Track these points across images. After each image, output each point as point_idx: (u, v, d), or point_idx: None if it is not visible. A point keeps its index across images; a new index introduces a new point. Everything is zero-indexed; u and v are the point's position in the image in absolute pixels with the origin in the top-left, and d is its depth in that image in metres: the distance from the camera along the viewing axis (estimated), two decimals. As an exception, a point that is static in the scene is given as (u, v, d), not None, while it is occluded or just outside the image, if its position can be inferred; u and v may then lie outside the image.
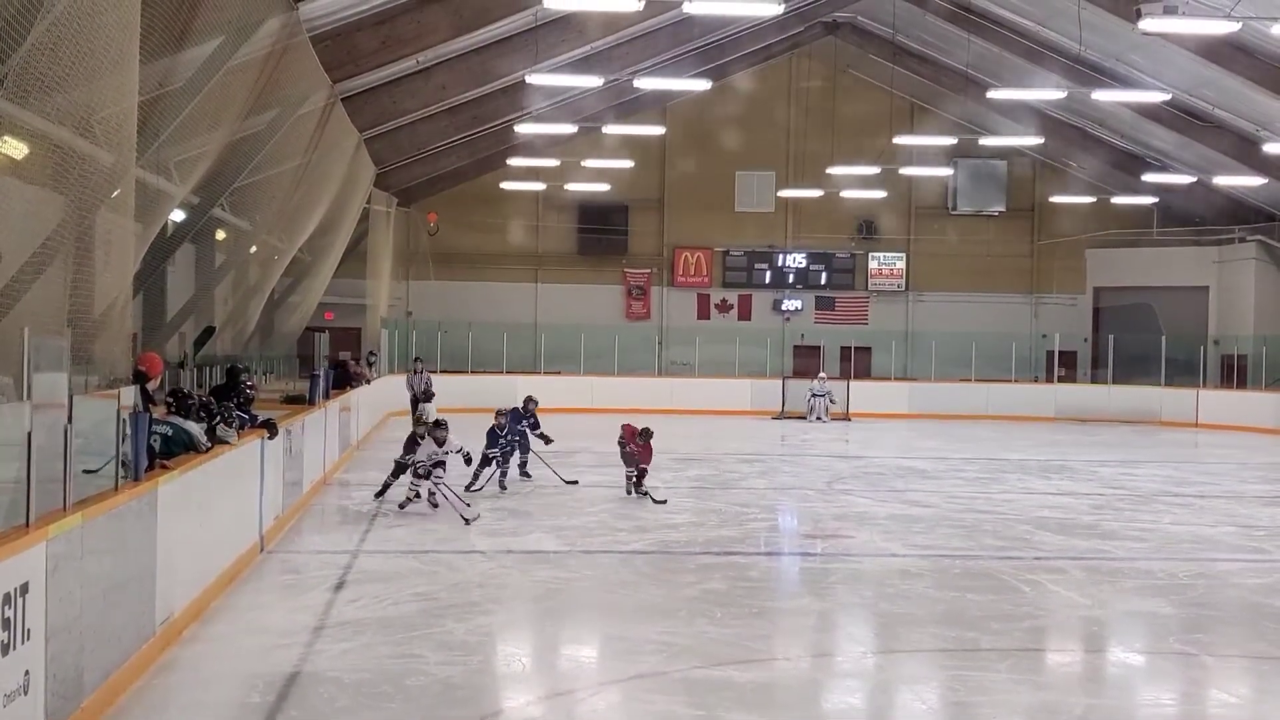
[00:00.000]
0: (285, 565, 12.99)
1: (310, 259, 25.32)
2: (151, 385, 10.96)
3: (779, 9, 21.98)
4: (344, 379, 24.20)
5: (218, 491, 11.30)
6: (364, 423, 26.46)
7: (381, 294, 34.69)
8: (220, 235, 21.30)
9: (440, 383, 34.23)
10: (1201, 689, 9.40)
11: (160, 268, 17.72)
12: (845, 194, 38.76)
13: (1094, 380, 40.05)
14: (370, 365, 28.15)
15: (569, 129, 32.02)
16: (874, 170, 36.34)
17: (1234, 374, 38.20)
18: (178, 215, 17.27)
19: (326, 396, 20.18)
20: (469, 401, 34.39)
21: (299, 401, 18.92)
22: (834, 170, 36.66)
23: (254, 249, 22.06)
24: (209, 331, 19.56)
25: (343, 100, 21.64)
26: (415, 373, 29.11)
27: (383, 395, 30.14)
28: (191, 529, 10.27)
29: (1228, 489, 21.86)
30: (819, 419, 34.71)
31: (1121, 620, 11.52)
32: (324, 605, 11.02)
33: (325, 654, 9.43)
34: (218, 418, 12.26)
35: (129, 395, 9.33)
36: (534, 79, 24.72)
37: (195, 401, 11.81)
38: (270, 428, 13.70)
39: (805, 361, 40.24)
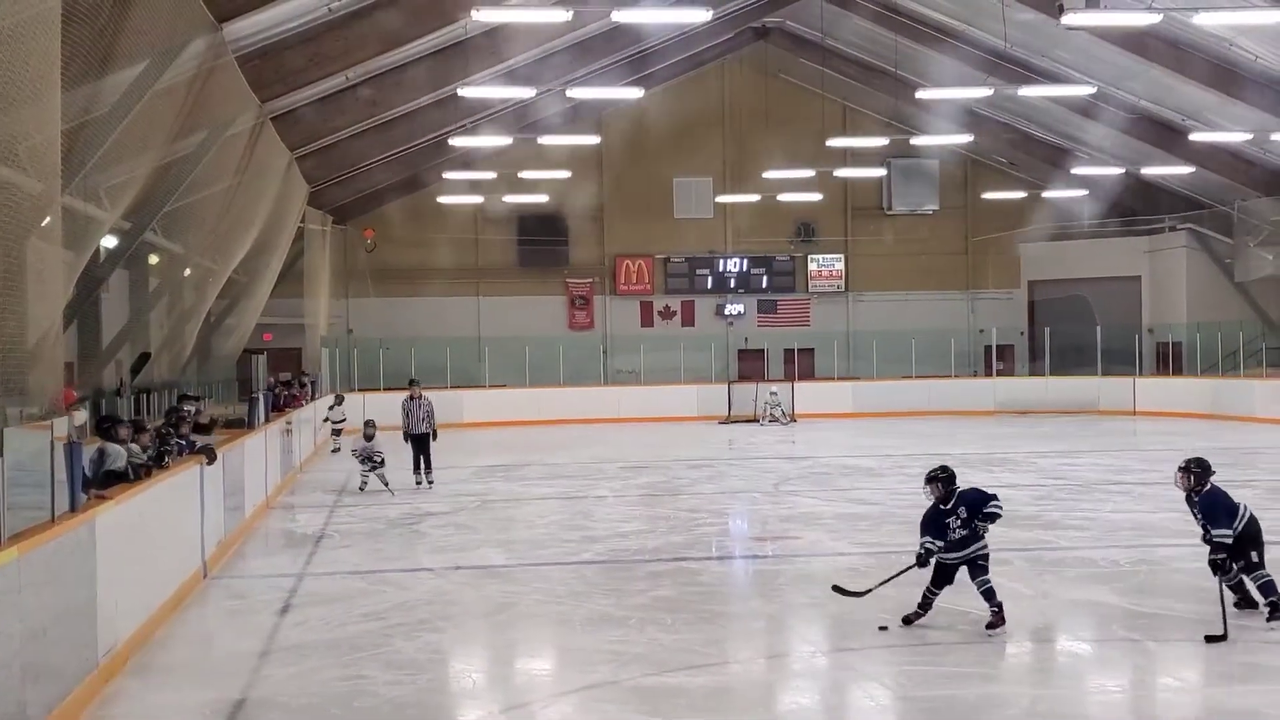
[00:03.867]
0: (229, 590, 12.88)
1: (246, 280, 25.13)
2: (79, 418, 10.86)
3: (707, 16, 22.15)
4: (284, 401, 24.04)
5: (158, 519, 11.20)
6: (306, 445, 26.30)
7: (320, 313, 34.49)
8: (153, 260, 21.10)
9: (385, 400, 34.15)
10: (1147, 675, 9.50)
11: (94, 295, 17.54)
12: (782, 198, 38.95)
13: (1032, 373, 40.48)
14: (303, 386, 27.94)
15: (504, 141, 31.99)
16: (809, 173, 36.56)
17: (1169, 361, 38.71)
18: (109, 241, 17.10)
19: (266, 419, 20.03)
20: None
21: (239, 425, 18.76)
22: (770, 174, 36.83)
23: (188, 272, 21.85)
24: (144, 358, 19.36)
25: (272, 119, 21.50)
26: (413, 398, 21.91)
27: (323, 416, 29.92)
28: (132, 558, 10.17)
29: (1167, 475, 21.99)
30: (775, 421, 34.98)
31: (1066, 609, 11.62)
32: (270, 629, 10.94)
33: (272, 679, 9.36)
34: (167, 447, 12.21)
35: (62, 426, 9.23)
36: (466, 92, 24.68)
37: (129, 428, 11.72)
38: (208, 453, 13.58)
39: (750, 365, 40.38)
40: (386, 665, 9.66)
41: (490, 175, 36.35)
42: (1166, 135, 33.16)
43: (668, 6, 26.32)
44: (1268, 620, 10.20)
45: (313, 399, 29.19)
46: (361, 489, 20.02)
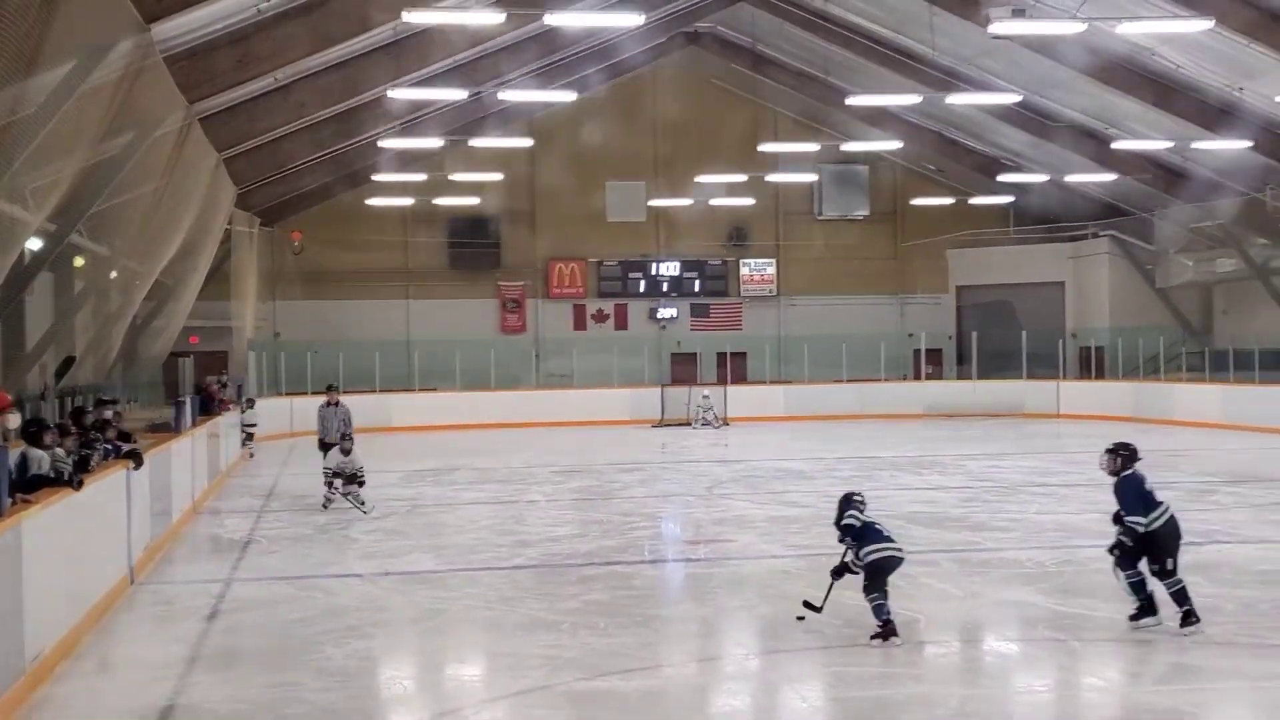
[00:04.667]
0: (157, 596, 12.74)
1: (172, 283, 24.86)
2: (12, 421, 10.72)
3: (639, 20, 22.20)
4: (210, 405, 23.82)
5: (84, 524, 11.07)
6: (233, 449, 26.07)
7: (247, 316, 34.16)
8: (79, 262, 20.83)
9: (313, 404, 33.91)
10: (1072, 674, 9.63)
11: (18, 298, 17.29)
12: (715, 202, 39.11)
13: (960, 376, 40.93)
14: (224, 387, 27.67)
15: (435, 143, 31.87)
16: (741, 178, 36.74)
17: (1091, 365, 39.32)
18: (34, 243, 16.86)
19: (193, 424, 19.83)
20: (343, 422, 34.13)
21: (165, 429, 18.56)
22: (703, 179, 36.98)
23: (114, 274, 21.59)
24: (69, 361, 19.12)
25: (201, 120, 21.28)
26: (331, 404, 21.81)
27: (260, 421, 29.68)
28: (59, 563, 10.05)
29: (1090, 477, 22.23)
30: (708, 424, 35.09)
31: (993, 610, 11.76)
32: (198, 636, 10.84)
33: (200, 685, 9.28)
34: (93, 451, 12.07)
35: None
36: (396, 93, 24.57)
37: (54, 432, 11.56)
38: (135, 458, 13.44)
39: (683, 369, 40.47)
40: (316, 672, 9.60)
41: (421, 177, 36.20)
42: (1090, 143, 33.65)
43: (600, 10, 26.37)
44: (1180, 627, 10.24)
45: (239, 403, 28.92)
46: (325, 506, 18.42)
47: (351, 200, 38.48)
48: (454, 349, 37.88)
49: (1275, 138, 29.37)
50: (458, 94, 27.31)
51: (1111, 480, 10.87)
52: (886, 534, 10.70)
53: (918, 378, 41.20)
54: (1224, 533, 15.49)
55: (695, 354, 40.72)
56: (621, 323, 41.90)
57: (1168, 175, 35.08)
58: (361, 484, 18.28)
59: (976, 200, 40.20)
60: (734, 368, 40.10)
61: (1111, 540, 10.58)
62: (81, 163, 15.24)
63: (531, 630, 10.83)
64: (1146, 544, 10.41)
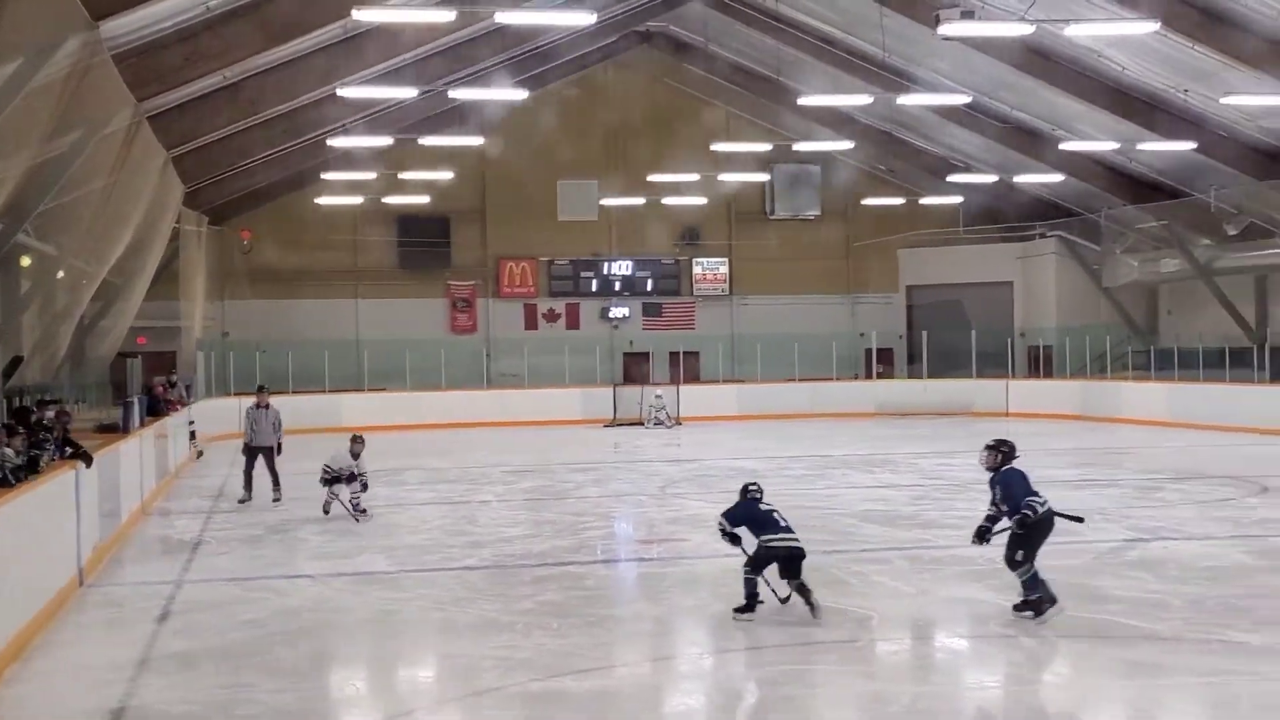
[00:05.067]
0: (106, 598, 12.64)
1: (120, 282, 24.62)
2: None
3: (592, 19, 22.17)
4: (157, 406, 23.61)
5: (33, 525, 10.96)
6: (181, 450, 25.86)
7: (195, 316, 33.88)
8: (25, 261, 20.61)
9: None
10: (1023, 671, 9.72)
11: (-37, 297, 17.10)
12: (667, 201, 39.13)
13: (910, 375, 41.17)
14: (172, 387, 27.43)
15: (385, 141, 31.72)
16: (694, 177, 36.78)
17: (1040, 364, 39.65)
18: (-20, 243, 16.68)
19: (141, 424, 19.66)
20: (291, 422, 33.88)
21: (113, 430, 18.39)
22: (655, 178, 36.99)
23: (61, 274, 21.37)
24: (16, 361, 18.90)
25: (149, 118, 21.08)
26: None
27: (199, 421, 29.45)
28: (7, 564, 9.95)
29: (1038, 474, 22.32)
30: (660, 424, 35.11)
31: (944, 607, 11.84)
32: (148, 638, 10.76)
33: (151, 688, 9.22)
34: (42, 451, 11.96)
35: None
36: (346, 92, 24.45)
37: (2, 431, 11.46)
38: (85, 458, 13.32)
39: (635, 368, 40.51)
40: (268, 673, 9.55)
41: (370, 176, 36.00)
42: (1038, 144, 33.92)
43: (553, 9, 26.33)
44: (1014, 609, 10.71)
45: (187, 403, 28.69)
46: (325, 511, 17.75)
47: (301, 199, 38.26)
48: (404, 348, 37.75)
49: (1219, 139, 29.71)
50: (408, 92, 27.20)
51: (990, 474, 11.15)
52: (784, 525, 11.17)
53: (869, 377, 41.42)
54: (1170, 529, 15.67)
55: (647, 353, 40.76)
56: (573, 322, 41.85)
57: (1114, 176, 35.42)
58: (365, 487, 17.73)
59: (927, 200, 40.44)
60: (686, 367, 40.16)
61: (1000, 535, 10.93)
62: (28, 161, 15.10)
63: (485, 631, 10.81)
64: (1024, 535, 10.63)
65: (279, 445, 19.85)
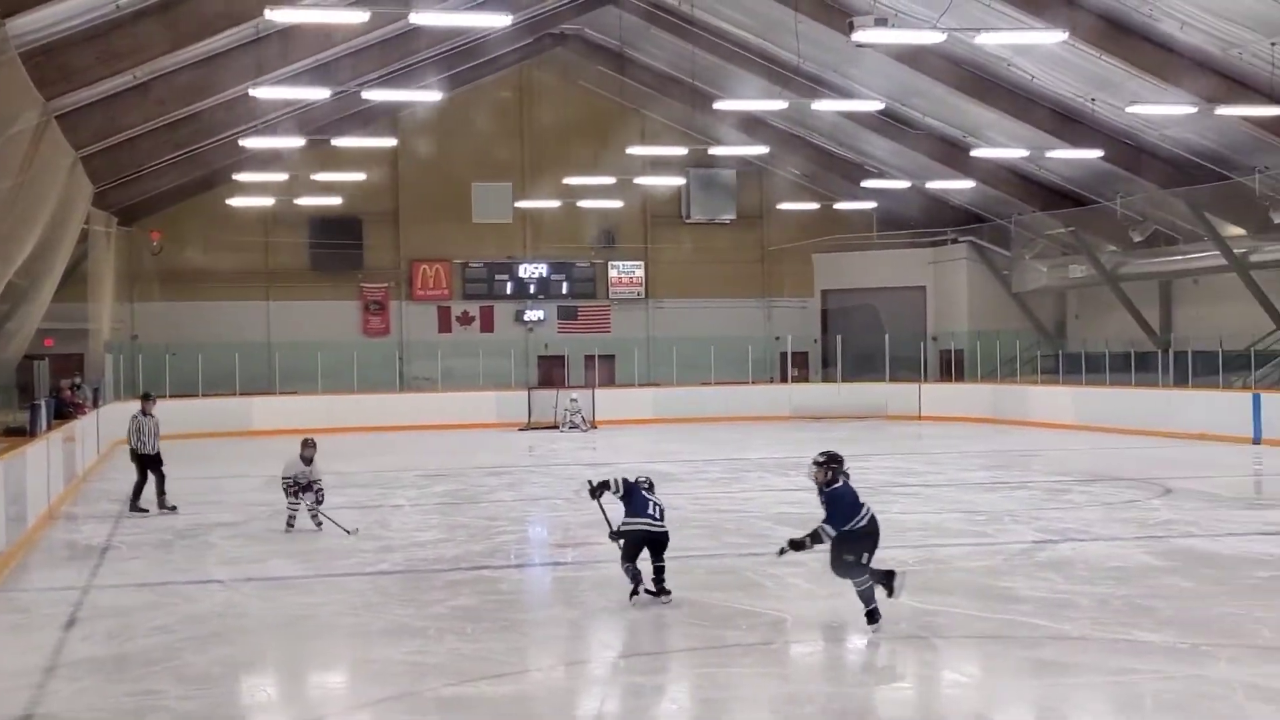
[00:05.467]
0: (12, 604, 12.40)
1: (27, 284, 24.18)
2: None
3: (507, 21, 22.15)
4: (65, 409, 23.23)
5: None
6: (89, 454, 25.44)
7: (104, 317, 33.35)
8: (-72, 263, 20.17)
9: (171, 408, 33.17)
10: (934, 671, 9.81)
11: None
12: (583, 204, 39.11)
13: (825, 379, 41.50)
14: (78, 389, 26.99)
15: (297, 142, 31.43)
16: (609, 180, 36.80)
17: (951, 368, 40.11)
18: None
19: (48, 427, 19.31)
20: (201, 426, 33.54)
21: (19, 433, 18.06)
22: (570, 181, 36.97)
23: (-36, 275, 20.94)
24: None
25: (57, 118, 20.74)
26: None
27: (108, 425, 29.01)
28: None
29: (950, 477, 22.89)
30: (575, 427, 35.05)
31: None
32: (55, 644, 10.56)
33: (58, 695, 9.04)
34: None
35: None
36: (258, 92, 24.19)
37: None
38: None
39: (550, 372, 40.46)
40: (177, 679, 9.41)
41: (282, 177, 35.65)
42: (950, 151, 34.33)
43: (467, 10, 26.24)
44: (869, 624, 10.50)
45: (95, 407, 28.24)
46: (289, 527, 16.60)
47: (212, 200, 37.79)
48: (315, 351, 37.40)
49: (1125, 147, 30.24)
50: (320, 93, 26.96)
51: (820, 490, 10.89)
52: (653, 514, 11.82)
53: (784, 380, 41.67)
54: (1077, 531, 15.89)
55: (563, 356, 40.73)
56: (488, 325, 41.70)
57: (1024, 183, 35.91)
58: (320, 498, 16.50)
59: (841, 205, 40.79)
60: (602, 370, 40.17)
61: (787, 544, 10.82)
62: (-70, 160, 14.79)
63: (397, 636, 10.73)
64: (853, 543, 10.53)
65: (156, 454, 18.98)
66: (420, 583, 13.21)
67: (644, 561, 11.68)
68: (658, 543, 11.79)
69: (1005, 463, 25.62)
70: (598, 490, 12.13)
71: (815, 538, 10.51)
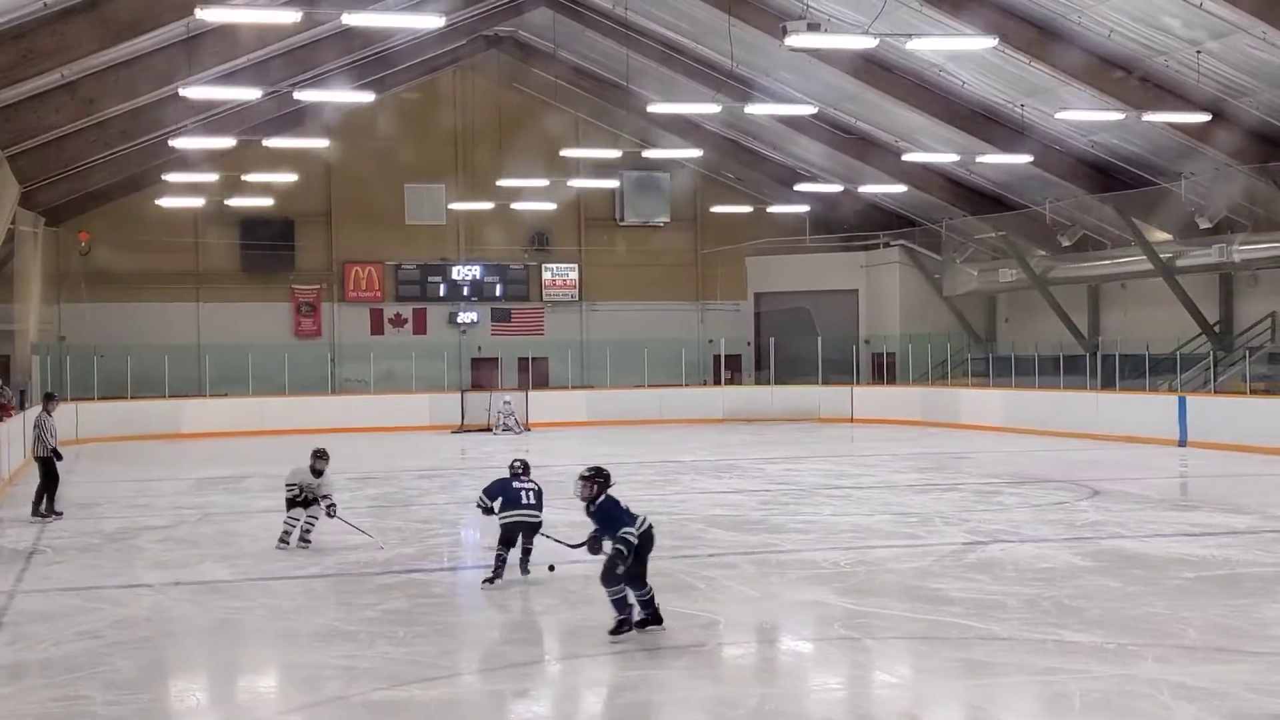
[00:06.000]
0: (-66, 611, 12.20)
1: (-50, 285, 23.88)
2: None
3: (440, 22, 22.06)
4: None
5: None
6: (15, 457, 25.07)
7: (30, 318, 32.90)
8: None
9: (99, 410, 32.83)
10: (866, 672, 9.88)
11: None
12: (516, 206, 39.03)
13: (758, 382, 41.65)
14: (0, 391, 26.60)
15: (228, 142, 31.15)
16: (543, 183, 36.75)
17: (884, 371, 40.39)
18: None
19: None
20: (130, 429, 33.18)
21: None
22: (504, 183, 36.88)
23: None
24: None
25: (-19, 116, 20.50)
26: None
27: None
28: None
29: (882, 479, 23.05)
30: (509, 430, 34.91)
31: (790, 610, 11.99)
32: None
33: (-18, 701, 8.91)
34: None
35: None
36: (188, 92, 23.95)
37: None
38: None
39: (483, 374, 40.34)
40: (105, 685, 9.30)
41: (213, 177, 35.32)
42: (882, 155, 34.59)
43: (400, 12, 26.12)
44: (638, 630, 10.39)
45: (22, 409, 27.83)
46: (283, 543, 15.30)
47: (141, 200, 37.32)
48: (246, 353, 37.06)
49: (1054, 153, 30.61)
50: (252, 93, 26.71)
51: (586, 506, 10.59)
52: (528, 501, 12.76)
53: (717, 383, 41.79)
54: (1007, 532, 16.05)
55: (496, 359, 40.62)
56: (420, 327, 41.51)
57: (954, 187, 36.25)
58: (332, 511, 15.29)
59: (775, 209, 40.95)
60: (535, 373, 40.11)
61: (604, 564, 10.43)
62: None
63: (328, 640, 10.66)
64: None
65: (56, 454, 18.66)
66: (352, 586, 13.14)
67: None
68: (531, 528, 12.87)
69: (936, 465, 25.84)
70: (485, 511, 13.22)
71: (625, 543, 10.19)
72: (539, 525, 12.80)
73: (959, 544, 15.24)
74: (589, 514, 10.62)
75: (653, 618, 10.51)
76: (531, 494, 12.82)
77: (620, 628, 10.32)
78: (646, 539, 10.46)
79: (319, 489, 15.33)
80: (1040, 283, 36.05)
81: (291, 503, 15.36)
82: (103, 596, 12.68)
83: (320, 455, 15.52)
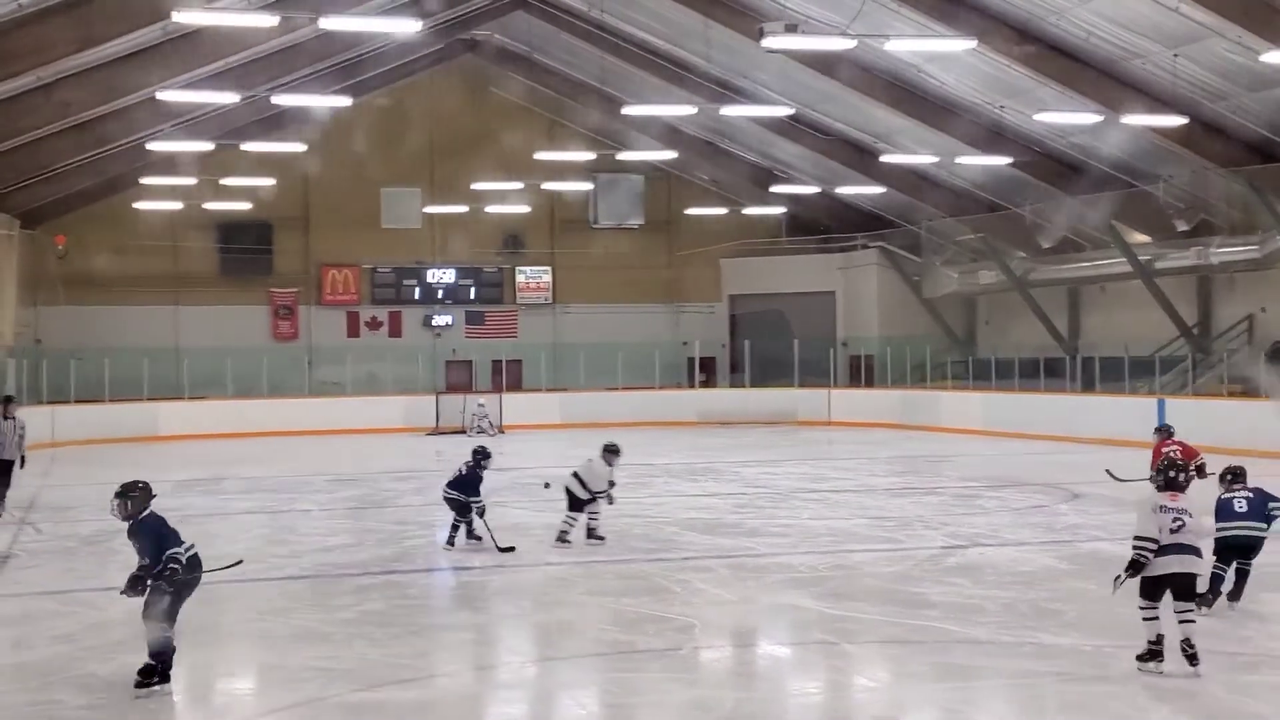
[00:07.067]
0: (-94, 615, 12.11)
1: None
2: None
3: (417, 27, 22.07)
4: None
5: None
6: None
7: (5, 322, 32.73)
8: None
9: (76, 413, 32.69)
10: (844, 676, 9.87)
11: None
12: (490, 209, 39.00)
13: (733, 384, 41.65)
14: None
15: (206, 146, 31.05)
16: (518, 186, 36.73)
17: (861, 373, 40.41)
18: None
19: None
20: (108, 432, 33.02)
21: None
22: (478, 186, 36.84)
23: None
24: None
25: (-45, 118, 20.39)
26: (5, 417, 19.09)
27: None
28: None
29: (860, 483, 23.07)
30: (483, 432, 34.79)
31: (767, 614, 11.99)
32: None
33: (-45, 706, 8.85)
34: None
35: None
36: (165, 95, 23.87)
37: None
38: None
39: (458, 377, 40.30)
40: (80, 689, 9.25)
41: (191, 181, 35.19)
42: (859, 156, 34.64)
43: (377, 15, 26.08)
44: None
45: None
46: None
47: (118, 203, 37.19)
48: (224, 356, 36.94)
49: (1034, 155, 30.68)
50: (230, 97, 26.65)
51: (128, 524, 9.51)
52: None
53: (692, 386, 41.78)
54: (986, 536, 16.09)
55: (470, 361, 40.60)
56: (396, 330, 41.47)
57: (933, 189, 36.30)
58: (610, 498, 15.54)
59: (750, 211, 40.98)
60: (509, 375, 40.07)
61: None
62: None
63: (305, 641, 10.63)
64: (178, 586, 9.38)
65: (23, 460, 18.80)
66: (328, 587, 13.11)
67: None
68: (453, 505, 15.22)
69: (915, 468, 25.87)
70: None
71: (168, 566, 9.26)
72: (461, 504, 15.16)
73: (938, 548, 15.25)
74: (130, 535, 9.43)
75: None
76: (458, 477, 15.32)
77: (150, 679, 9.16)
78: (195, 566, 9.42)
79: (607, 479, 15.47)
80: (1020, 285, 36.13)
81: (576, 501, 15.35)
82: (78, 600, 12.61)
83: (613, 450, 15.75)
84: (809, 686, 9.65)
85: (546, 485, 14.74)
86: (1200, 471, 14.36)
